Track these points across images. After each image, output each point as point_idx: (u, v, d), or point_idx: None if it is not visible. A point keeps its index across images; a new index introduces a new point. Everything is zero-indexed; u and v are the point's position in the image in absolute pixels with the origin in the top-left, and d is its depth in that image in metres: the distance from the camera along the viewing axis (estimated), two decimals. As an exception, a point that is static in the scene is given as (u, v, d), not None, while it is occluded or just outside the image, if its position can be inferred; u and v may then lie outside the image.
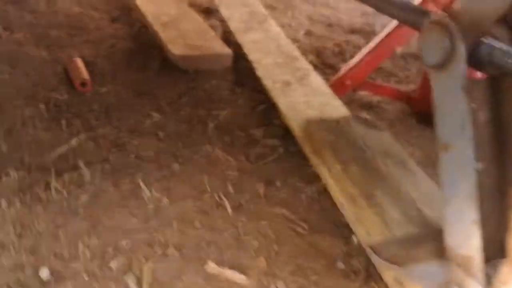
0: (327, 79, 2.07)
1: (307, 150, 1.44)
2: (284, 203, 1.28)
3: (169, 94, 1.77)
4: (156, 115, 1.63)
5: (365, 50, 1.94)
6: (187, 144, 1.49)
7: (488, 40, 0.79)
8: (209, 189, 1.29)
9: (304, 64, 1.93)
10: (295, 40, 2.42)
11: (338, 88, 1.95)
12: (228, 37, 2.21)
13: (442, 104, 0.83)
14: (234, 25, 2.23)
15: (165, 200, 1.24)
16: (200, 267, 1.06)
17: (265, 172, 1.39)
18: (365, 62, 1.88)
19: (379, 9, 1.07)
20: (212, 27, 2.28)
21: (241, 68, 1.99)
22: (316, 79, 1.83)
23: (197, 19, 2.22)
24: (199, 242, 1.12)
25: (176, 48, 1.83)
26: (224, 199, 1.25)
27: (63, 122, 1.54)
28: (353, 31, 2.60)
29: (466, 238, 0.82)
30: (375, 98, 1.96)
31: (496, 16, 0.74)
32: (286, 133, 1.57)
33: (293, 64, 1.91)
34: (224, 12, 2.37)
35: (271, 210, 1.25)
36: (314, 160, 1.41)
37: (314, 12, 2.84)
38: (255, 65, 1.90)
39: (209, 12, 2.64)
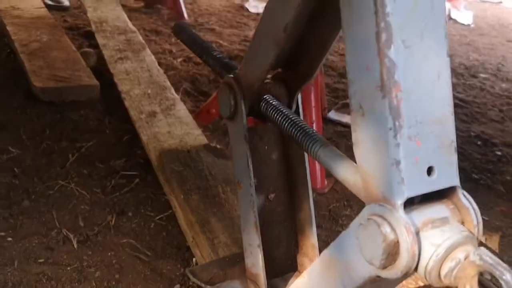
0: (199, 106, 2.21)
1: (161, 180, 1.56)
2: (132, 233, 1.38)
3: (32, 127, 1.79)
4: (14, 150, 1.64)
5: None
6: (43, 179, 1.53)
7: (267, 98, 0.96)
8: (58, 225, 1.35)
9: (172, 94, 2.05)
10: (172, 67, 2.54)
11: (204, 116, 2.10)
12: (102, 66, 2.27)
13: (234, 149, 0.99)
14: (108, 54, 2.29)
15: (9, 239, 1.28)
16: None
17: (119, 204, 1.48)
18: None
19: (201, 57, 1.22)
20: (87, 54, 2.32)
21: (112, 98, 2.05)
22: (182, 109, 1.95)
23: (69, 47, 2.25)
24: (40, 278, 1.18)
25: (38, 80, 1.85)
26: (71, 234, 1.32)
27: None
28: (231, 57, 2.77)
29: (255, 259, 0.98)
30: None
31: (260, 80, 0.92)
32: (146, 164, 1.67)
33: (162, 95, 2.03)
34: (100, 40, 2.42)
35: (119, 241, 1.34)
36: (165, 189, 1.53)
37: (196, 38, 2.97)
38: (123, 95, 1.98)
39: (89, 36, 2.66)
